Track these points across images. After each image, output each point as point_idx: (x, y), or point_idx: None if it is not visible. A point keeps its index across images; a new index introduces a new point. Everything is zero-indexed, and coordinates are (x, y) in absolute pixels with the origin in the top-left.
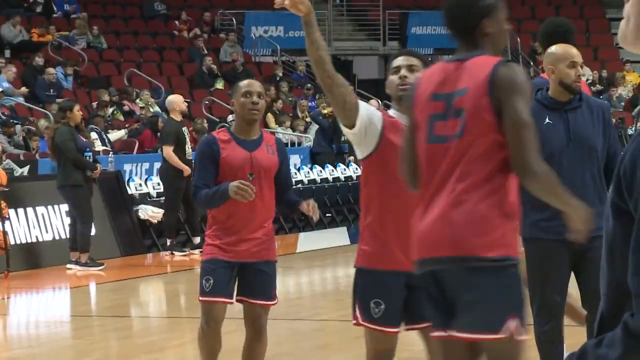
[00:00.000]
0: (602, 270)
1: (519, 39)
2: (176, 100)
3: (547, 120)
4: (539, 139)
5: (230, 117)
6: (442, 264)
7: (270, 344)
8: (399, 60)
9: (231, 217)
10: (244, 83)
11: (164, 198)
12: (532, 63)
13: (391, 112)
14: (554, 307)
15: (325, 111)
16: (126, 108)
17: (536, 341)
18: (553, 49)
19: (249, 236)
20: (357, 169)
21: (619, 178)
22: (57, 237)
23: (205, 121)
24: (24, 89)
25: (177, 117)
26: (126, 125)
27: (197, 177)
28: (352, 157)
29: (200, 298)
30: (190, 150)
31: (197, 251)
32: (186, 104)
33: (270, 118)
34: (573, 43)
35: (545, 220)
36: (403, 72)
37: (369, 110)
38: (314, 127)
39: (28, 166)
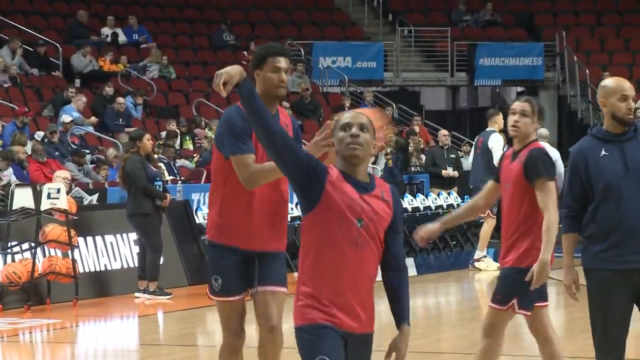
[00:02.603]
0: None
1: (587, 71)
2: None
3: (603, 152)
4: (595, 171)
5: None
6: None
7: None
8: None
9: None
10: (345, 114)
11: None
12: None
13: None
14: (615, 339)
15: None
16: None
17: None
18: (606, 81)
19: None
20: (424, 199)
21: None
22: (125, 266)
23: None
24: (93, 119)
25: None
26: (193, 155)
27: None
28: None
29: None
30: None
31: None
32: None
33: None
34: None
35: (605, 251)
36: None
37: None
38: (384, 157)
39: (97, 194)
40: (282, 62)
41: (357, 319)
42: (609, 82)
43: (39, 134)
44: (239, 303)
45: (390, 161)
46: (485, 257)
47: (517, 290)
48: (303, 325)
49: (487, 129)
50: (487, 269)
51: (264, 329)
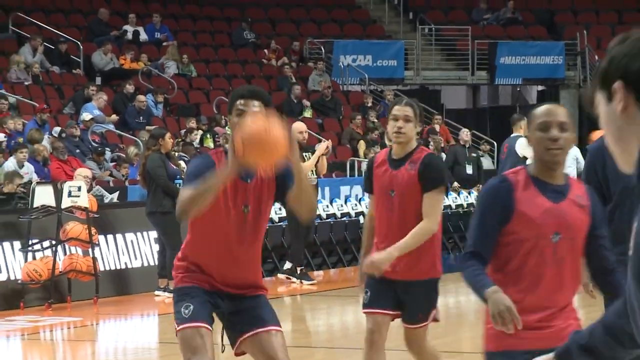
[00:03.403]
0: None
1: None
2: (295, 127)
3: None
4: (613, 173)
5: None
6: None
7: None
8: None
9: None
10: (540, 110)
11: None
12: None
13: None
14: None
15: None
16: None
17: None
18: None
19: None
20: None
21: None
22: (145, 264)
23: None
24: (114, 117)
25: None
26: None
27: (476, 237)
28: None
29: None
30: None
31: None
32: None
33: (362, 145)
34: None
35: (623, 255)
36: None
37: None
38: None
39: (117, 193)
40: (248, 105)
41: (551, 334)
42: None
43: (56, 130)
44: (208, 333)
45: None
46: None
47: (434, 302)
48: (494, 352)
49: (513, 135)
50: None
51: None
